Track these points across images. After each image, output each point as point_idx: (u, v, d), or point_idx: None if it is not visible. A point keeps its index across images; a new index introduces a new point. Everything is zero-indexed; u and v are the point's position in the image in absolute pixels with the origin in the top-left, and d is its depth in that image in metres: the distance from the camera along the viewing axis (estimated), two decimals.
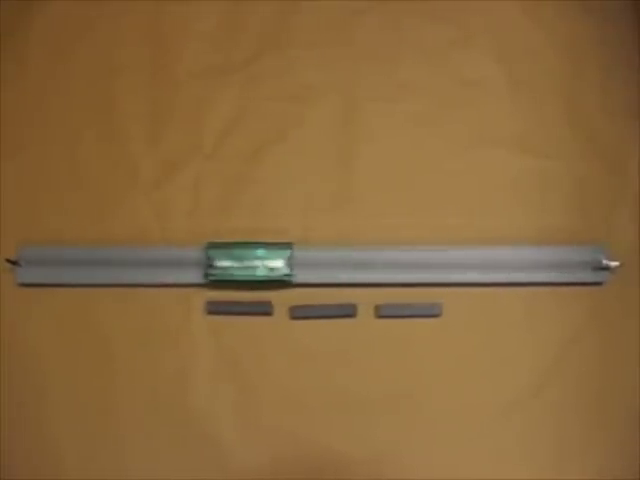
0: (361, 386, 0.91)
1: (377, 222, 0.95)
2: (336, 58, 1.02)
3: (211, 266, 0.91)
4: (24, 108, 1.01)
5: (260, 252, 0.91)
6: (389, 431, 0.89)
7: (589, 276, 0.92)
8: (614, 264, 0.90)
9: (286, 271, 0.91)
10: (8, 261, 0.91)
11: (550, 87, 1.01)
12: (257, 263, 0.91)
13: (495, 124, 1.00)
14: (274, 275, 0.91)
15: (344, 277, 0.92)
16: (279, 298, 0.93)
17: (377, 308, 0.92)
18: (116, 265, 0.93)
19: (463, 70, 1.02)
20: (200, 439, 0.89)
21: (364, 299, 0.92)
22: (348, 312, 0.92)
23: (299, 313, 0.92)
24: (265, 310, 0.92)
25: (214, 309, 0.92)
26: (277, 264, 0.91)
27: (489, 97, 1.01)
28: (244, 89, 1.01)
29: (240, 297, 0.93)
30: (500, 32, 1.03)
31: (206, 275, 0.91)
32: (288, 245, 0.91)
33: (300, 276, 0.91)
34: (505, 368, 0.91)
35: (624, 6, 1.04)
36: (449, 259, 0.92)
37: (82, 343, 0.92)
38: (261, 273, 0.91)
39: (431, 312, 0.92)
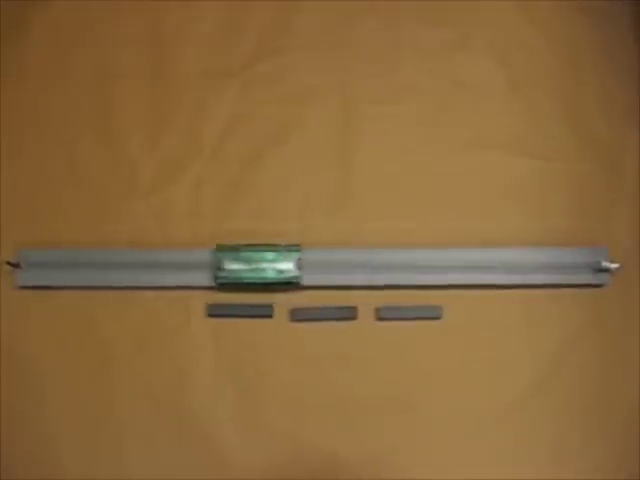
0: (361, 388, 0.91)
1: (377, 224, 0.95)
2: (335, 60, 1.02)
3: (220, 269, 0.90)
4: (24, 111, 1.00)
5: (269, 255, 0.91)
6: (389, 433, 0.90)
7: (589, 278, 0.92)
8: (614, 266, 0.90)
9: (296, 273, 0.91)
10: (8, 263, 0.91)
11: (549, 89, 1.01)
12: (265, 265, 0.91)
13: (494, 126, 1.00)
14: (283, 277, 0.91)
15: (345, 279, 0.92)
16: (280, 300, 0.93)
17: (378, 310, 0.92)
18: (116, 268, 0.93)
19: (462, 72, 1.02)
20: (200, 441, 0.89)
21: (365, 301, 0.92)
22: (349, 314, 0.92)
23: (300, 315, 0.92)
24: (266, 312, 0.92)
25: (215, 312, 0.92)
26: (287, 266, 0.91)
27: (488, 99, 1.01)
28: (243, 92, 1.01)
29: (241, 299, 0.93)
30: (499, 34, 1.04)
31: (215, 278, 0.91)
32: (297, 247, 0.91)
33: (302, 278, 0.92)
34: (505, 370, 0.91)
35: (622, 8, 1.04)
36: (449, 261, 0.92)
37: (82, 345, 0.92)
38: (271, 275, 0.91)
39: (431, 314, 0.93)
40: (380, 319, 0.92)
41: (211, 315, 0.92)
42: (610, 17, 1.04)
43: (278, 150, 0.98)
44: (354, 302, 0.92)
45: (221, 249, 0.91)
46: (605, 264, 0.90)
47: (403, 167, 0.98)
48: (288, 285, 0.91)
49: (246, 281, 0.91)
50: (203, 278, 0.92)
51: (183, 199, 0.97)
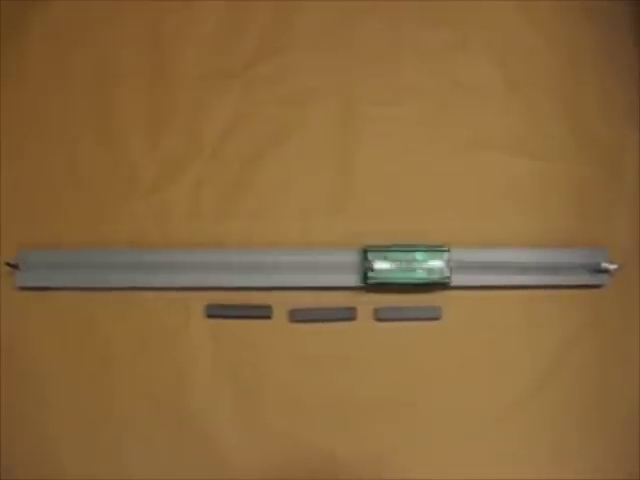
0: (360, 388, 0.91)
1: (377, 224, 0.95)
2: (335, 61, 1.02)
3: (370, 269, 0.90)
4: (23, 112, 1.01)
5: (419, 255, 0.91)
6: (388, 433, 0.90)
7: (588, 279, 0.92)
8: (613, 267, 0.90)
9: (446, 273, 0.91)
10: (8, 264, 0.92)
11: (549, 90, 1.01)
12: (415, 265, 0.91)
13: (494, 127, 1.00)
14: (434, 277, 0.91)
15: (339, 280, 0.92)
16: (279, 301, 0.93)
17: (376, 311, 0.92)
18: (116, 268, 0.93)
19: (462, 73, 1.02)
20: (200, 441, 0.89)
21: (363, 302, 0.93)
22: (348, 315, 0.92)
23: (299, 316, 0.92)
24: (265, 313, 0.92)
25: (214, 312, 0.92)
26: (436, 265, 0.91)
27: (488, 99, 1.01)
28: (244, 92, 1.01)
29: (239, 300, 0.93)
30: (499, 35, 1.04)
31: (365, 278, 0.91)
32: (445, 248, 0.91)
33: (304, 281, 0.92)
34: (504, 370, 0.92)
35: (623, 9, 1.04)
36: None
37: (82, 346, 0.92)
38: (420, 275, 0.91)
39: (431, 315, 0.93)
40: (379, 320, 0.92)
41: (210, 316, 0.92)
42: (610, 18, 1.04)
43: (278, 150, 0.98)
44: (352, 303, 0.93)
45: (370, 249, 0.91)
46: (604, 265, 0.91)
47: (403, 167, 0.98)
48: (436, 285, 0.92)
49: (396, 281, 0.90)
50: (204, 279, 0.92)
51: (183, 199, 0.97)
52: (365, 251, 0.91)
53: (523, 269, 0.92)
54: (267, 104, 1.00)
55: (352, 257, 0.92)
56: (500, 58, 1.02)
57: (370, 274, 0.90)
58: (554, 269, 0.92)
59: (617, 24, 1.03)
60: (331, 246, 0.94)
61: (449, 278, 0.91)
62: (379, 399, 0.91)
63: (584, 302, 0.93)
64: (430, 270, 0.91)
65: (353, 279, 0.92)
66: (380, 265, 0.90)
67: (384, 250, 0.91)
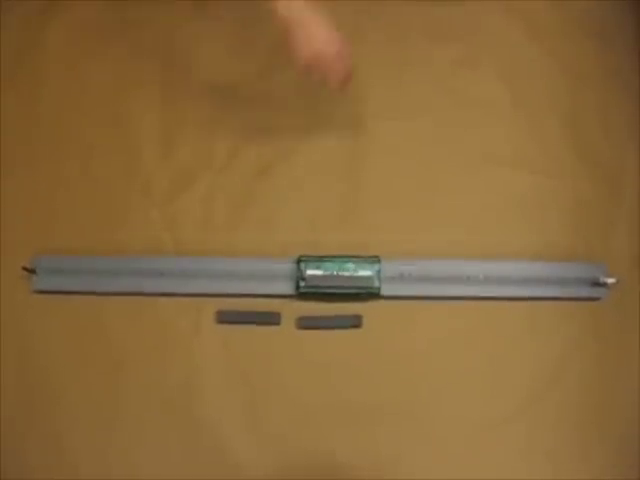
0: (366, 395, 0.92)
1: (383, 236, 0.97)
2: None
3: (302, 278, 0.93)
4: (40, 122, 1.04)
5: (349, 265, 0.94)
6: (393, 440, 0.91)
7: (587, 292, 0.94)
8: (611, 281, 0.92)
9: (376, 283, 0.93)
10: (25, 269, 0.94)
11: (552, 107, 1.04)
12: (346, 274, 0.94)
13: (498, 143, 1.02)
14: (363, 287, 0.93)
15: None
16: (287, 308, 0.95)
17: (382, 319, 0.94)
18: (129, 274, 0.95)
19: (468, 89, 1.05)
20: (209, 444, 0.91)
21: (369, 310, 0.94)
22: (354, 322, 0.94)
23: (306, 323, 0.94)
24: (273, 320, 0.94)
25: (224, 319, 0.94)
26: (366, 275, 0.93)
27: (493, 116, 1.04)
28: (254, 105, 1.03)
29: (249, 307, 0.95)
30: (504, 53, 1.07)
31: (297, 286, 0.93)
32: (376, 258, 0.94)
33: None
34: (505, 379, 0.93)
35: (624, 30, 1.07)
36: (450, 273, 0.94)
37: (95, 349, 0.94)
38: (350, 284, 0.93)
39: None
40: (383, 327, 0.94)
41: (221, 322, 0.94)
42: (613, 38, 1.07)
43: (288, 163, 1.01)
44: (358, 310, 0.94)
45: (303, 259, 0.93)
46: (603, 279, 0.92)
47: (410, 182, 1.00)
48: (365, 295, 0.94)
49: (327, 291, 0.93)
50: (215, 286, 0.94)
51: (195, 209, 0.99)
52: (298, 260, 0.93)
53: (524, 281, 0.94)
54: (277, 117, 1.03)
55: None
56: (506, 76, 1.05)
57: (302, 283, 0.93)
58: (554, 282, 0.94)
59: (619, 46, 1.06)
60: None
61: (379, 288, 0.93)
62: (384, 406, 0.92)
63: (583, 315, 0.95)
64: (360, 279, 0.93)
65: (287, 287, 0.94)
66: (312, 273, 0.93)
67: (317, 260, 0.93)
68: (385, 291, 0.93)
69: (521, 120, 1.03)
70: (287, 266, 0.94)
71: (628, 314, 0.95)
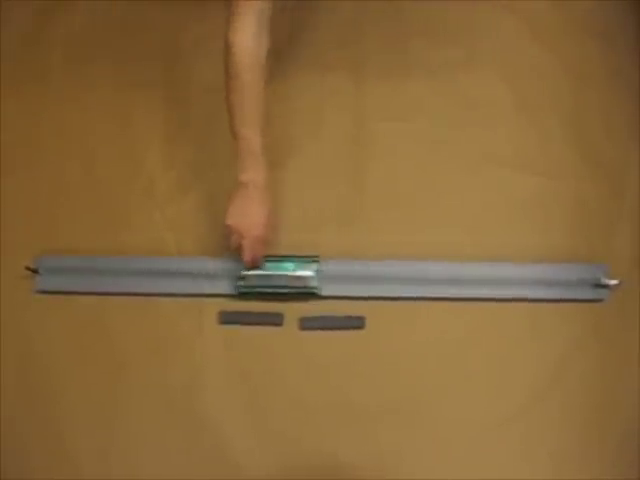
0: (368, 396, 0.92)
1: (386, 237, 0.97)
2: (345, 78, 1.05)
3: (241, 278, 0.93)
4: (44, 123, 1.04)
5: (288, 265, 0.94)
6: (395, 440, 0.91)
7: (589, 293, 0.94)
8: (613, 282, 0.93)
9: (314, 283, 0.93)
10: (28, 269, 0.94)
11: (554, 108, 1.04)
12: (286, 275, 0.94)
13: (500, 144, 1.03)
14: (302, 286, 0.93)
15: (355, 290, 0.95)
16: (290, 309, 0.95)
17: (384, 320, 0.94)
18: (131, 275, 0.95)
19: (469, 90, 1.05)
20: (211, 444, 0.91)
21: (372, 311, 0.94)
22: (356, 324, 0.94)
23: (309, 324, 0.94)
24: (276, 321, 0.94)
25: (227, 319, 0.95)
26: (306, 275, 0.93)
27: (495, 117, 1.04)
28: None
29: (253, 308, 0.95)
30: (506, 53, 1.07)
31: (237, 286, 0.94)
32: (315, 258, 0.94)
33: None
34: (507, 380, 0.93)
35: (627, 30, 1.07)
36: (452, 275, 0.95)
37: (97, 349, 0.95)
38: (289, 284, 0.93)
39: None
40: (386, 329, 0.94)
41: (223, 322, 0.95)
42: (615, 39, 1.07)
43: (289, 166, 1.01)
44: (361, 312, 0.94)
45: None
46: (605, 280, 0.93)
47: (412, 183, 1.01)
48: (304, 295, 0.94)
49: (266, 290, 0.93)
50: (219, 286, 0.95)
51: (197, 211, 0.99)
52: (238, 260, 0.93)
53: (527, 283, 0.94)
54: (279, 120, 1.02)
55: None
56: (507, 77, 1.05)
57: (240, 282, 0.93)
58: (556, 283, 0.94)
59: (622, 47, 1.07)
60: (340, 259, 0.95)
61: (317, 288, 0.93)
62: (385, 406, 0.92)
63: (585, 316, 0.95)
64: (299, 279, 0.93)
65: (227, 287, 0.94)
66: (250, 273, 0.93)
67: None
68: (324, 291, 0.94)
69: (523, 121, 1.04)
70: (227, 266, 0.94)
71: (629, 315, 0.95)
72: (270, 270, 0.93)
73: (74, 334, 0.95)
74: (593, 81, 1.05)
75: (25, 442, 0.91)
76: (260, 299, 0.94)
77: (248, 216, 0.87)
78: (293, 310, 0.95)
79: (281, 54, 1.05)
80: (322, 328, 0.94)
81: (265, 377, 0.93)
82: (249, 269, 0.92)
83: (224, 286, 0.94)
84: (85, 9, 1.09)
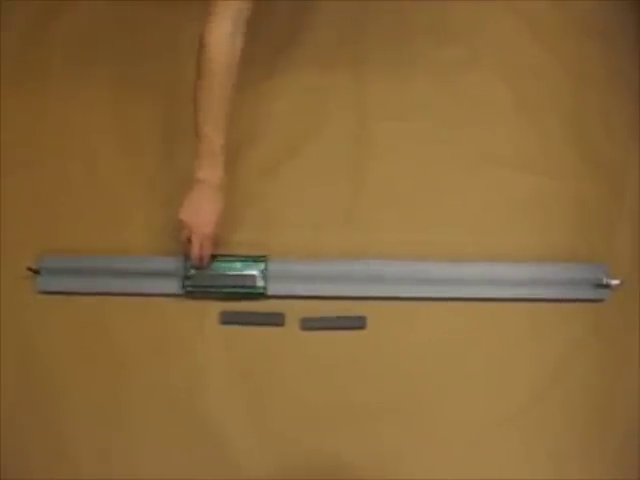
0: (369, 396, 0.93)
1: (386, 237, 0.98)
2: (346, 77, 1.05)
3: (187, 277, 0.93)
4: (45, 123, 1.04)
5: (236, 265, 0.94)
6: (396, 440, 0.91)
7: (590, 293, 0.94)
8: (614, 282, 0.93)
9: (261, 283, 0.94)
10: (29, 269, 0.94)
11: (554, 108, 1.04)
12: (232, 274, 0.94)
13: (500, 143, 1.03)
14: (248, 286, 0.94)
15: (354, 290, 0.95)
16: (291, 310, 0.95)
17: (385, 320, 0.94)
18: (132, 275, 0.95)
19: (470, 90, 1.05)
20: (212, 444, 0.91)
21: (373, 311, 0.94)
22: (358, 324, 0.94)
23: (310, 324, 0.94)
24: (277, 321, 0.94)
25: (228, 319, 0.95)
26: (251, 273, 0.94)
27: (495, 117, 1.04)
28: (258, 106, 1.04)
29: (253, 308, 0.95)
30: (506, 53, 1.07)
31: (183, 286, 0.94)
32: (263, 258, 0.94)
33: (310, 289, 0.94)
34: (507, 379, 0.93)
35: (626, 30, 1.08)
36: (453, 275, 0.95)
37: (98, 349, 0.95)
38: (236, 283, 0.93)
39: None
40: (387, 329, 0.94)
41: (224, 322, 0.95)
42: (615, 39, 1.07)
43: (291, 164, 1.01)
44: (363, 312, 0.95)
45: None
46: (606, 280, 0.93)
47: (412, 182, 1.01)
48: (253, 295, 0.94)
49: (213, 290, 0.94)
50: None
51: None
52: (185, 259, 0.93)
53: (527, 283, 0.94)
54: (281, 118, 1.03)
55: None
56: (508, 77, 1.05)
57: (187, 282, 0.93)
58: (557, 283, 0.95)
59: (622, 47, 1.07)
60: (340, 258, 0.96)
61: (264, 288, 0.93)
62: (386, 406, 0.92)
63: (586, 316, 0.95)
64: (245, 278, 0.94)
65: (173, 286, 0.94)
66: (196, 272, 0.93)
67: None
68: (270, 291, 0.94)
69: (523, 121, 1.04)
70: (174, 265, 0.94)
71: (630, 315, 0.95)
72: (218, 270, 0.94)
73: (75, 334, 0.95)
74: (593, 81, 1.06)
75: (25, 442, 0.91)
76: (211, 298, 0.95)
77: (200, 213, 0.88)
78: (294, 310, 0.95)
79: (282, 53, 1.05)
80: (323, 328, 0.94)
81: (266, 377, 0.93)
82: (196, 267, 0.92)
83: (172, 285, 0.94)
84: (85, 9, 1.09)
